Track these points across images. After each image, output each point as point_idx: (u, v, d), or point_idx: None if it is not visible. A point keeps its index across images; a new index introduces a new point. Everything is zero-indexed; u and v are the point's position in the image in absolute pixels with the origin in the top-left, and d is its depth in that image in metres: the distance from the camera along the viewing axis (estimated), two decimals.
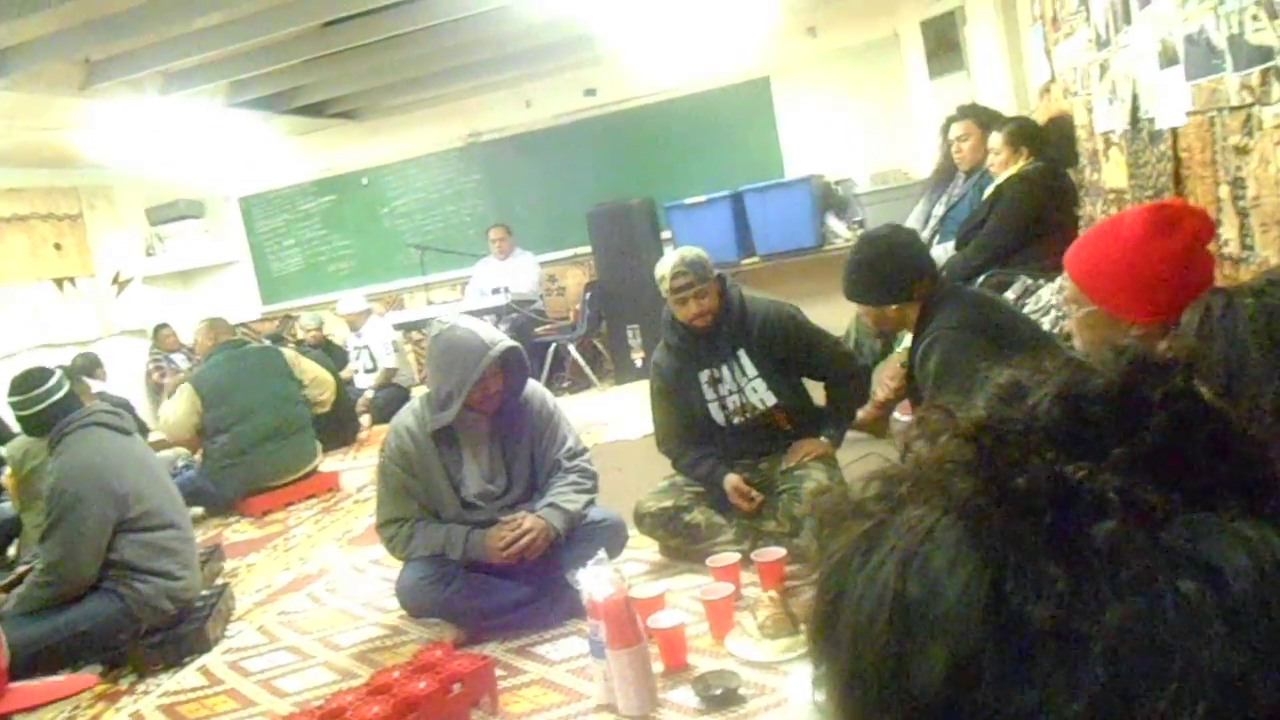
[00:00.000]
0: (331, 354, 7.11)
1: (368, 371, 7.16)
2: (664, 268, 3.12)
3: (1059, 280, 3.23)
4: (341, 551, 4.03)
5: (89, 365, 6.53)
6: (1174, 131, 2.34)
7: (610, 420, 5.56)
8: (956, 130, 4.30)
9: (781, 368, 3.16)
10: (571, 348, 6.90)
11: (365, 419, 6.77)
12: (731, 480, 3.07)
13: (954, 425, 0.43)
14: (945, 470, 0.41)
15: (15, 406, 3.21)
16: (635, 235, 6.68)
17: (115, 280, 8.19)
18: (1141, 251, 1.52)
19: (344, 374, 6.87)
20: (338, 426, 6.15)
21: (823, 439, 3.15)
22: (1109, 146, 3.14)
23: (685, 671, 2.43)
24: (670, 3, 5.73)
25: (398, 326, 7.25)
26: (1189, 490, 0.37)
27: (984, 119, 4.23)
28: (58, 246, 7.79)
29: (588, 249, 7.21)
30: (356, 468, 5.67)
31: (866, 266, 2.62)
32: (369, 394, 6.95)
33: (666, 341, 3.25)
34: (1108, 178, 3.25)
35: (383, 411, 6.96)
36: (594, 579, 2.35)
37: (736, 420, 3.18)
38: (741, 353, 3.15)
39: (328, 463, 5.56)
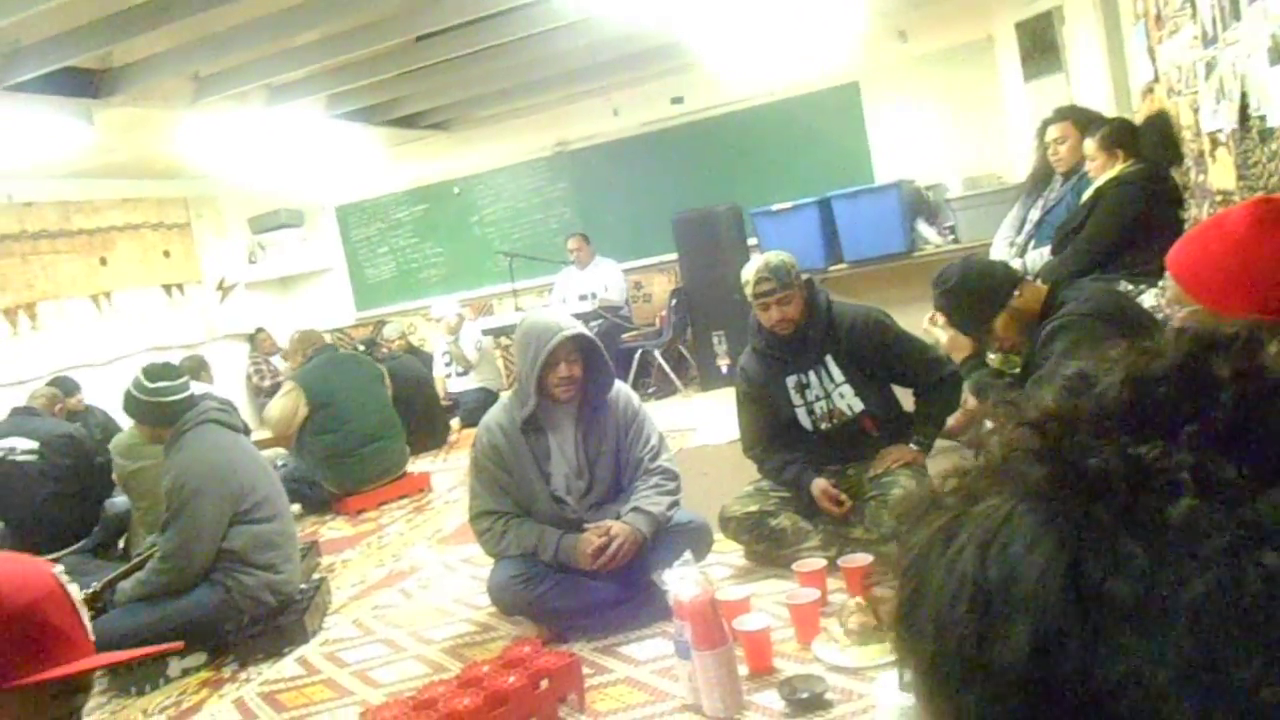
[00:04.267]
0: (419, 359, 7.28)
1: (459, 375, 7.32)
2: (748, 273, 3.12)
3: (1163, 280, 3.13)
4: (432, 550, 4.12)
5: (196, 368, 6.81)
6: None
7: (696, 425, 5.57)
8: (1053, 132, 4.19)
9: (870, 374, 3.13)
10: (657, 354, 6.94)
11: (454, 422, 6.91)
12: (819, 484, 3.05)
13: (1020, 415, 0.43)
14: (1016, 459, 0.42)
15: (149, 393, 3.37)
16: (721, 242, 6.68)
17: (220, 286, 8.54)
18: (1245, 247, 1.47)
19: (436, 374, 7.04)
20: (427, 429, 6.30)
21: (911, 446, 3.11)
22: (1216, 147, 3.03)
23: (770, 675, 2.42)
24: (758, 10, 5.73)
25: (487, 332, 7.40)
26: (1263, 465, 0.37)
27: (1082, 120, 4.11)
28: (167, 254, 8.17)
29: (673, 256, 7.25)
30: (446, 469, 5.79)
31: (959, 290, 2.56)
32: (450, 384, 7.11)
33: (753, 346, 3.25)
34: (1214, 179, 3.14)
35: (472, 414, 7.10)
36: (680, 580, 2.37)
37: (824, 426, 3.16)
38: (829, 358, 3.13)
39: (418, 464, 5.70)
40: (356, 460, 4.99)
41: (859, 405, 3.11)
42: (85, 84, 5.22)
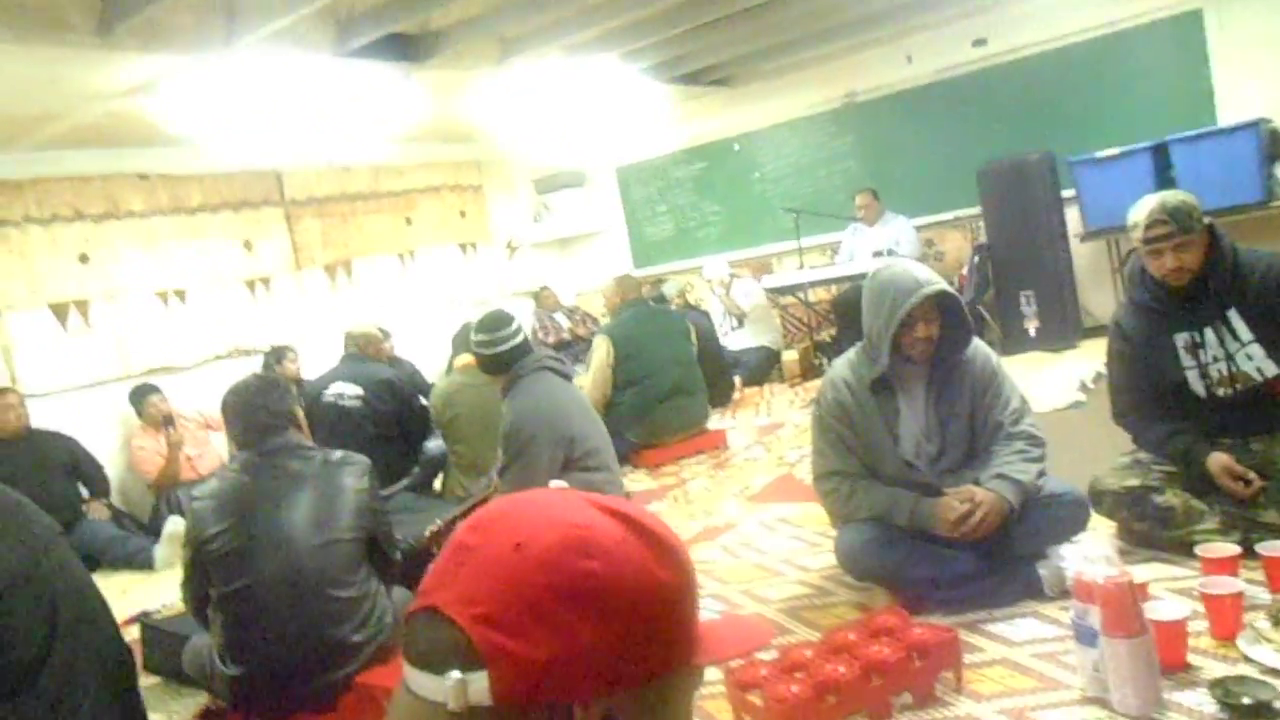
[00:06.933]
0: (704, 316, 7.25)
1: (735, 329, 7.25)
2: (1139, 214, 2.74)
3: None
4: (743, 508, 4.02)
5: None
6: None
7: None
8: None
9: None
10: None
11: (737, 379, 6.83)
12: (1220, 460, 2.64)
13: None
14: None
15: (481, 345, 3.46)
16: (1031, 194, 6.15)
17: (508, 245, 8.91)
18: None
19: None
20: (715, 385, 6.24)
21: None
22: None
23: (1185, 673, 2.10)
24: None
25: (768, 290, 7.26)
26: None
27: None
28: (462, 214, 8.60)
29: (971, 210, 6.78)
30: (736, 428, 5.70)
31: None
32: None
33: (1134, 299, 2.86)
34: None
35: (753, 374, 7.01)
36: (1087, 557, 2.09)
37: (1221, 392, 2.73)
38: (1233, 313, 2.69)
39: (709, 421, 5.64)
40: (660, 413, 5.00)
41: (1271, 369, 2.66)
42: (406, 49, 5.48)
